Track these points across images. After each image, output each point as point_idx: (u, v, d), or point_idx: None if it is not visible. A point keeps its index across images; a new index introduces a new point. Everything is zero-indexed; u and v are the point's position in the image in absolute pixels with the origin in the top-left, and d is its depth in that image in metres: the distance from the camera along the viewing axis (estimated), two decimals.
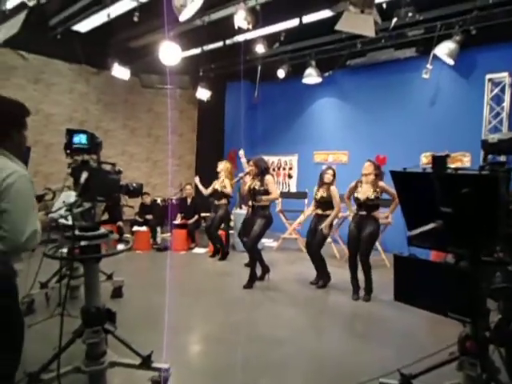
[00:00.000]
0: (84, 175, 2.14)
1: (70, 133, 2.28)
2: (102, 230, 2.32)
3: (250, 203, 5.16)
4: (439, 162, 1.85)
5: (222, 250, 6.53)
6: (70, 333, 2.42)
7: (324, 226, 4.81)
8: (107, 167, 2.38)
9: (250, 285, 5.00)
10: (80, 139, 2.28)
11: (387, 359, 3.03)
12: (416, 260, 1.90)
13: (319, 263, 5.08)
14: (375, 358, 3.16)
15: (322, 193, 4.97)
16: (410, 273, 1.95)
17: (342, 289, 4.90)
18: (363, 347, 3.39)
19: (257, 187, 5.01)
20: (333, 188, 4.92)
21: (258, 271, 5.19)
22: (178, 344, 3.33)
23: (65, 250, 2.35)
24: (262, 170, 5.03)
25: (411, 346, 3.31)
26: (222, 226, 6.71)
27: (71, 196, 2.24)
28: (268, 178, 4.99)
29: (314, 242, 4.96)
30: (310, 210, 5.33)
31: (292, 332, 3.67)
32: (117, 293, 4.32)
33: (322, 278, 5.11)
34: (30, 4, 5.09)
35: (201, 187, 6.66)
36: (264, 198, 4.93)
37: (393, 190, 4.32)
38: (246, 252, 5.16)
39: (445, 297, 1.80)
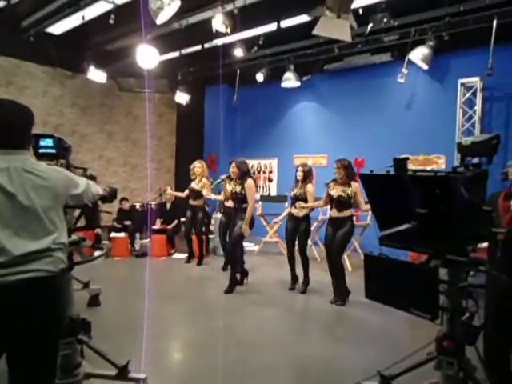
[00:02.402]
0: None
1: (36, 138, 2.18)
2: (74, 237, 2.24)
3: (231, 205, 5.19)
4: (399, 164, 1.90)
5: (199, 255, 6.42)
6: None
7: (300, 208, 4.80)
8: (78, 172, 2.30)
9: (230, 289, 4.92)
10: (46, 144, 2.18)
11: (368, 361, 3.05)
12: (384, 259, 1.94)
13: (304, 265, 5.02)
14: (356, 360, 3.17)
15: (295, 191, 4.95)
16: (379, 271, 2.00)
17: (322, 292, 4.91)
18: (344, 350, 3.40)
19: (238, 191, 5.00)
20: (309, 186, 4.89)
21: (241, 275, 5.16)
22: (157, 352, 3.26)
23: None
24: (243, 173, 4.99)
25: (391, 347, 3.34)
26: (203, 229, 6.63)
27: None
28: (248, 182, 4.91)
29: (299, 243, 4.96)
30: (285, 212, 5.29)
31: (273, 336, 3.64)
32: (93, 301, 4.20)
33: (304, 281, 5.04)
34: (0, 5, 4.94)
35: (178, 194, 6.56)
36: (248, 216, 4.83)
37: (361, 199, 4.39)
38: (225, 255, 5.10)
39: (409, 294, 1.84)
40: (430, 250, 1.91)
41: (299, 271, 5.08)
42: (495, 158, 1.95)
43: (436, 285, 1.77)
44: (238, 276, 5.14)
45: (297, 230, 4.92)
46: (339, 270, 4.56)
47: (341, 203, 4.47)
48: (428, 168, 6.74)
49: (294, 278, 5.14)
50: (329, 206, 4.77)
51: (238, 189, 5.01)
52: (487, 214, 1.89)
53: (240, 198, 4.97)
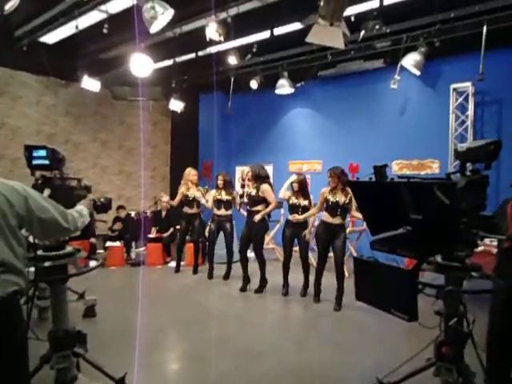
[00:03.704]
0: (46, 192, 2.04)
1: (29, 149, 2.17)
2: (68, 248, 2.22)
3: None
4: (379, 171, 1.98)
5: (194, 263, 6.38)
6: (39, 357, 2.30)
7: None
8: (73, 183, 2.29)
9: (260, 289, 5.26)
10: (40, 155, 2.17)
11: (366, 368, 3.03)
12: (370, 262, 1.99)
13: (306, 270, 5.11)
14: (355, 367, 3.16)
15: (294, 199, 5.01)
16: (367, 274, 2.07)
17: (322, 299, 4.90)
18: (343, 357, 3.38)
19: (253, 193, 5.11)
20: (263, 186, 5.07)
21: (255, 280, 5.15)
22: (154, 363, 3.22)
23: (32, 269, 2.23)
24: (256, 176, 5.15)
25: (389, 353, 3.33)
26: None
27: None
28: (265, 186, 5.12)
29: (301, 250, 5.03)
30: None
31: (271, 344, 3.62)
32: (89, 312, 4.15)
33: (305, 285, 5.13)
34: None
35: (171, 202, 6.50)
36: (264, 213, 5.10)
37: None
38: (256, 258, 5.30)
39: (390, 296, 1.88)
40: (416, 254, 1.94)
41: (292, 277, 5.15)
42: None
43: (414, 287, 1.80)
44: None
45: (297, 236, 4.94)
46: (342, 276, 4.64)
47: (344, 209, 4.52)
48: (422, 173, 6.79)
49: (287, 284, 5.19)
50: (323, 212, 4.78)
51: (254, 192, 5.11)
52: (486, 220, 1.90)
53: (255, 201, 5.12)
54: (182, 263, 6.75)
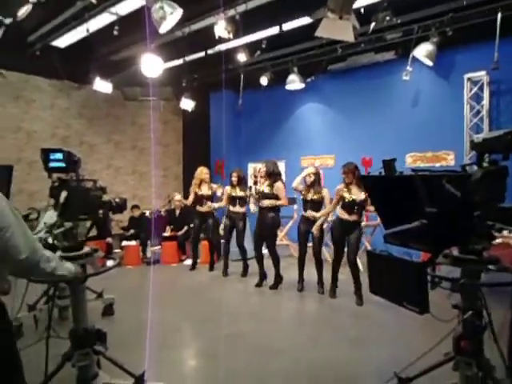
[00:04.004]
0: (63, 194, 2.08)
1: (46, 152, 2.22)
2: (86, 248, 2.27)
3: (238, 209, 5.74)
4: (388, 165, 1.96)
5: (210, 260, 6.44)
6: (61, 356, 2.35)
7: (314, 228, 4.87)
8: (88, 184, 2.33)
9: (275, 285, 5.29)
10: (56, 158, 2.21)
11: (384, 363, 3.02)
12: (382, 256, 1.99)
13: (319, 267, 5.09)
14: (372, 362, 3.14)
15: (309, 195, 4.99)
16: (380, 267, 2.07)
17: (338, 294, 4.88)
18: (359, 352, 3.37)
19: (266, 190, 5.12)
20: (325, 190, 4.98)
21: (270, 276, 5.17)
22: (172, 360, 3.27)
23: None
24: (271, 173, 5.15)
25: (406, 347, 3.31)
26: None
27: (54, 215, 2.19)
28: (279, 184, 5.16)
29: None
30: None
31: (288, 341, 3.63)
32: (108, 311, 4.23)
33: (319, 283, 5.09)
34: (7, 22, 5.02)
35: (185, 201, 6.59)
36: (272, 203, 5.12)
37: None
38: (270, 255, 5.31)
39: (402, 289, 1.89)
40: (428, 247, 1.93)
41: (307, 272, 5.14)
42: None
43: (423, 279, 1.79)
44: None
45: (310, 232, 4.93)
46: (356, 270, 4.62)
47: (361, 207, 4.50)
48: (437, 165, 6.69)
49: (302, 279, 5.18)
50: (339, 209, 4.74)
51: (268, 189, 5.12)
52: (504, 212, 1.87)
53: (268, 199, 5.12)
54: (197, 261, 6.82)
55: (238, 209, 5.84)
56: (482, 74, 6.05)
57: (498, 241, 3.81)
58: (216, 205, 6.16)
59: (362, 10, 5.14)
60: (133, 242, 7.13)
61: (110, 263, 5.61)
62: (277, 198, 5.13)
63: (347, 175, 4.52)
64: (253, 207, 5.40)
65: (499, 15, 5.13)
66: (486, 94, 6.08)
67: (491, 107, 6.15)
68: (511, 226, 1.95)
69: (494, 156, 2.02)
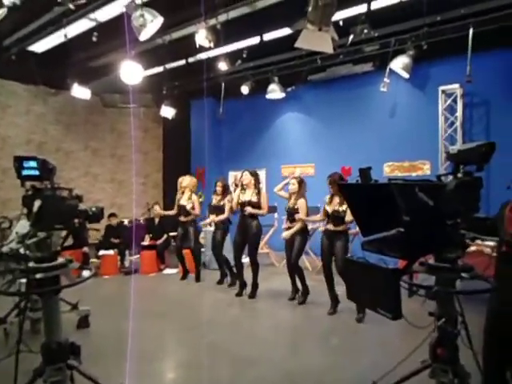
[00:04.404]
0: (37, 203, 2.02)
1: (19, 160, 2.14)
2: (61, 259, 2.20)
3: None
4: (363, 173, 1.99)
5: (196, 270, 6.31)
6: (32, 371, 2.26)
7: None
8: (64, 193, 2.26)
9: (253, 294, 5.26)
10: (30, 166, 2.14)
11: (363, 371, 3.03)
12: (358, 262, 2.01)
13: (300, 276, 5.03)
14: (352, 370, 3.15)
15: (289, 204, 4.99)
16: (356, 274, 2.08)
17: (314, 302, 4.89)
18: (338, 361, 3.37)
19: (254, 199, 5.11)
20: (301, 200, 4.91)
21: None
22: (150, 372, 3.19)
23: (24, 281, 2.20)
24: (257, 181, 5.24)
25: (385, 355, 3.33)
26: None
27: (27, 225, 2.12)
28: (263, 192, 5.26)
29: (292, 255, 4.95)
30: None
31: (267, 350, 3.60)
32: (83, 323, 4.10)
33: (302, 292, 5.02)
34: None
35: (167, 212, 6.53)
36: (254, 212, 5.10)
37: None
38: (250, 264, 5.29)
39: (376, 294, 1.91)
40: (402, 254, 1.95)
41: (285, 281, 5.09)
42: None
43: (396, 285, 1.82)
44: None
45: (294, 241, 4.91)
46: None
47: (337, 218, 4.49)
48: (413, 174, 6.85)
49: (295, 289, 5.13)
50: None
51: (254, 198, 5.13)
52: (479, 222, 1.92)
53: (254, 207, 5.11)
54: (175, 271, 6.73)
55: (219, 218, 5.81)
56: (455, 87, 6.26)
57: (472, 249, 3.91)
58: (208, 220, 6.15)
59: (341, 23, 5.27)
60: (110, 251, 6.97)
61: (85, 273, 5.47)
62: (259, 207, 5.14)
63: (332, 185, 4.52)
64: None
65: (471, 31, 5.35)
66: (459, 106, 6.29)
67: (464, 119, 6.36)
68: (485, 236, 2.00)
69: (468, 167, 2.08)
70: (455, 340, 2.10)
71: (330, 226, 4.53)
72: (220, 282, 5.96)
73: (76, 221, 2.33)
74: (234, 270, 5.64)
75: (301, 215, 4.80)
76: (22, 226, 2.11)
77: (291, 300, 5.08)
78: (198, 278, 6.21)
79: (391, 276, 1.81)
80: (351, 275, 2.15)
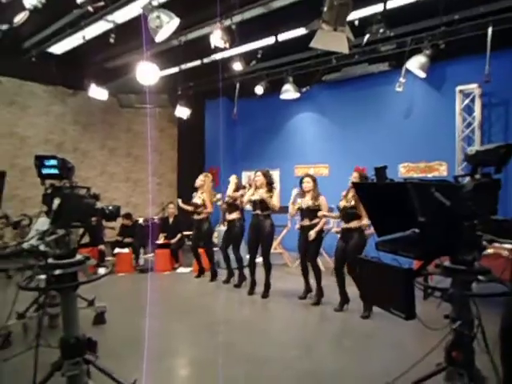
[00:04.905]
0: (56, 201, 2.07)
1: (40, 159, 2.21)
2: (78, 256, 2.25)
3: (234, 216, 5.71)
4: (379, 173, 1.97)
5: (211, 269, 6.31)
6: (50, 365, 2.32)
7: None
8: (81, 191, 2.32)
9: (266, 293, 5.28)
10: (50, 165, 2.20)
11: (376, 374, 3.01)
12: (371, 262, 1.99)
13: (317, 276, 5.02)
14: (364, 372, 3.13)
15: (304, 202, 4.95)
16: (370, 274, 2.06)
17: (328, 302, 4.87)
18: (352, 362, 3.36)
19: (264, 195, 5.14)
20: (322, 198, 4.94)
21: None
22: (164, 369, 3.23)
23: (43, 277, 2.26)
24: (269, 183, 5.26)
25: (399, 357, 3.30)
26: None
27: (47, 222, 2.17)
28: (274, 191, 5.27)
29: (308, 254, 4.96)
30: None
31: (279, 350, 3.61)
32: (99, 319, 4.18)
33: (316, 292, 5.02)
34: (3, 28, 5.02)
35: (186, 207, 6.54)
36: (267, 200, 5.14)
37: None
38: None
39: (390, 294, 1.89)
40: (416, 255, 1.93)
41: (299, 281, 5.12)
42: None
43: (410, 285, 1.80)
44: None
45: (308, 240, 4.89)
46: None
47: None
48: (429, 175, 6.75)
49: (308, 288, 5.15)
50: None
51: (265, 195, 5.16)
52: (496, 224, 1.89)
53: (265, 207, 5.17)
54: (189, 269, 6.78)
55: (234, 216, 5.83)
56: (473, 87, 6.15)
57: (490, 251, 3.83)
58: (219, 195, 6.28)
59: (357, 23, 5.22)
60: (125, 250, 7.07)
61: (101, 271, 5.56)
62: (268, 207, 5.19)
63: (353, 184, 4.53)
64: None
65: (490, 29, 5.24)
66: (477, 106, 6.17)
67: (483, 119, 6.23)
68: (502, 238, 1.97)
69: (487, 169, 2.05)
70: (471, 343, 2.07)
71: (343, 224, 4.53)
72: (226, 281, 5.98)
73: (93, 219, 2.39)
74: (245, 270, 5.68)
75: (324, 212, 4.80)
76: (42, 224, 2.16)
77: (302, 299, 5.10)
78: (213, 277, 6.23)
79: (405, 275, 1.80)
80: (364, 275, 2.13)
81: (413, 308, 1.75)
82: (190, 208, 6.31)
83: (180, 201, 6.72)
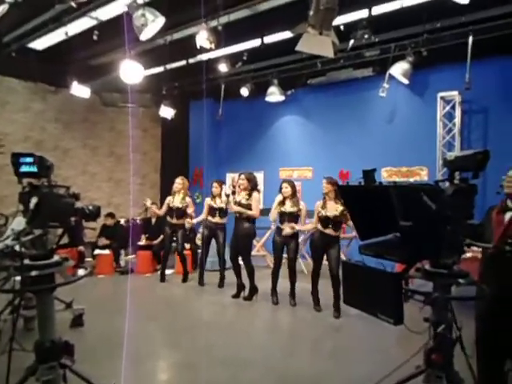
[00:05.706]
0: (34, 200, 2.00)
1: (16, 156, 2.13)
2: (56, 257, 2.18)
3: (217, 220, 5.72)
4: (368, 176, 1.98)
5: (184, 271, 6.28)
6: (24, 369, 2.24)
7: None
8: (61, 190, 2.25)
9: (250, 297, 5.24)
10: (27, 162, 2.13)
11: (357, 377, 3.03)
12: (357, 266, 2.00)
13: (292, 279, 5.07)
14: (346, 376, 3.15)
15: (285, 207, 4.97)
16: (355, 278, 2.06)
17: (310, 305, 4.89)
18: (334, 365, 3.37)
19: (244, 201, 5.09)
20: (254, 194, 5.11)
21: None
22: (143, 373, 3.17)
23: (18, 279, 2.18)
24: (252, 186, 5.19)
25: (381, 361, 3.32)
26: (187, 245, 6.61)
27: (23, 222, 2.10)
28: (255, 194, 5.17)
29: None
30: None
31: (261, 353, 3.59)
32: (77, 322, 4.08)
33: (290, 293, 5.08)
34: None
35: (156, 210, 6.47)
36: (241, 210, 5.07)
37: None
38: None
39: (377, 299, 1.88)
40: (401, 258, 1.94)
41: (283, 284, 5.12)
42: None
43: (399, 290, 1.81)
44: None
45: (286, 244, 4.94)
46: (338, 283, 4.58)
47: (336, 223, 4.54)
48: (411, 180, 6.87)
49: (275, 292, 5.15)
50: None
51: (244, 200, 5.12)
52: (472, 228, 1.92)
53: (245, 206, 5.12)
54: (171, 271, 6.70)
55: (217, 219, 5.80)
56: (454, 94, 6.29)
57: (468, 255, 3.91)
58: (195, 221, 6.13)
59: (342, 27, 5.29)
60: (106, 251, 6.94)
61: (81, 272, 5.44)
62: (250, 208, 5.12)
63: (328, 190, 4.62)
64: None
65: (470, 38, 5.38)
66: (457, 113, 6.32)
67: (463, 125, 6.39)
68: (479, 242, 2.01)
69: (465, 174, 2.09)
70: (453, 346, 2.09)
71: (330, 231, 4.55)
72: (220, 286, 5.93)
73: (72, 219, 2.33)
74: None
75: (297, 227, 4.90)
76: (18, 223, 2.09)
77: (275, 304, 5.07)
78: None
79: (394, 280, 1.79)
80: (350, 279, 2.11)
81: (401, 313, 1.75)
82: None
83: (149, 201, 6.50)
